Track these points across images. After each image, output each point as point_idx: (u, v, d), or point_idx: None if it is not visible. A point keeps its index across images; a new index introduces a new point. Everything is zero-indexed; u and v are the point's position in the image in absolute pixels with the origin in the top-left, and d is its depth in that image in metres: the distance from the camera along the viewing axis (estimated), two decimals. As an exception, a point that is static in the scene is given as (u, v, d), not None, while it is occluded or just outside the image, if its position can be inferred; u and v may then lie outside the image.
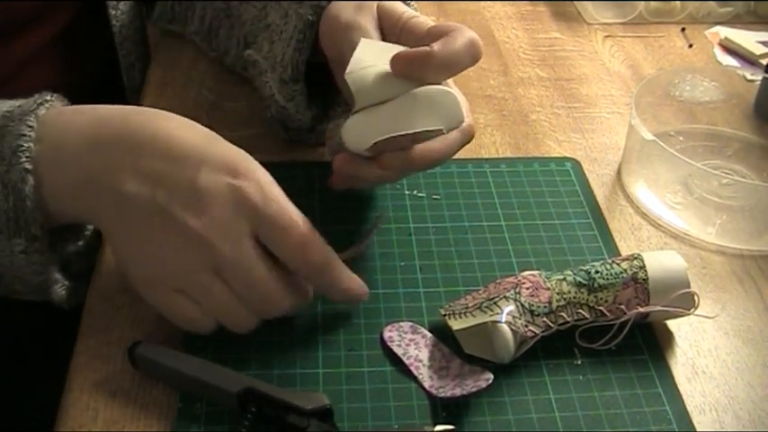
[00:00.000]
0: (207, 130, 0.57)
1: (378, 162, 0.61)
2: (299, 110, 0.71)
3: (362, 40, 0.62)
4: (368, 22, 0.65)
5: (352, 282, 0.59)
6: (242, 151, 0.56)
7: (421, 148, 0.61)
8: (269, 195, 0.54)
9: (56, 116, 0.56)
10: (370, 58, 0.61)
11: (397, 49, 0.62)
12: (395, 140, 0.60)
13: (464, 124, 0.62)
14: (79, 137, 0.55)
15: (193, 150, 0.54)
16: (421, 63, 0.59)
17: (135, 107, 0.58)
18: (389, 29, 0.65)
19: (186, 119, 0.57)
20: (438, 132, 0.61)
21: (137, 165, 0.54)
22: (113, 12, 0.80)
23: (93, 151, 0.55)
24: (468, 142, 0.64)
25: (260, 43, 0.74)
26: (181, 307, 0.56)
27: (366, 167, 0.62)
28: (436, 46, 0.59)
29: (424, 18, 0.65)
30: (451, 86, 0.64)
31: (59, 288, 0.58)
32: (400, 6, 0.66)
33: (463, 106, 0.62)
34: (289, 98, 0.70)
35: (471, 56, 0.60)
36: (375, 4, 0.66)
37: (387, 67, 0.61)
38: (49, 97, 0.57)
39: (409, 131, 0.60)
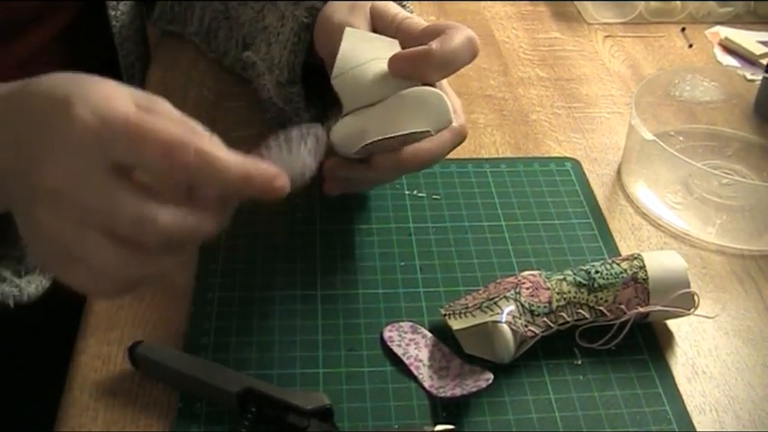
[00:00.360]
0: (69, 75, 0.49)
1: (370, 164, 0.60)
2: (297, 112, 0.71)
3: (347, 30, 0.62)
4: (361, 22, 0.65)
5: (254, 169, 0.48)
6: (77, 80, 0.48)
7: (412, 149, 0.60)
8: (106, 113, 0.46)
9: None
10: (357, 55, 0.61)
11: (382, 40, 0.61)
12: (384, 143, 0.60)
13: (455, 124, 0.62)
14: None
15: (41, 101, 0.48)
16: (420, 62, 0.59)
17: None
18: (383, 29, 0.65)
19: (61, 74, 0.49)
20: (426, 134, 0.61)
21: (10, 137, 0.49)
22: (113, 12, 0.80)
23: None
24: (461, 142, 0.64)
25: (258, 45, 0.73)
26: (77, 274, 0.49)
27: (358, 170, 0.61)
28: (435, 44, 0.59)
29: (418, 18, 0.65)
30: (444, 87, 0.64)
31: (5, 286, 0.56)
32: (394, 7, 0.66)
33: (453, 106, 0.62)
34: (287, 100, 0.70)
35: (470, 53, 0.60)
36: (368, 4, 0.66)
37: (374, 65, 0.60)
38: None
39: (397, 134, 0.60)
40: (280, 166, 0.51)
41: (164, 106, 0.49)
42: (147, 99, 0.49)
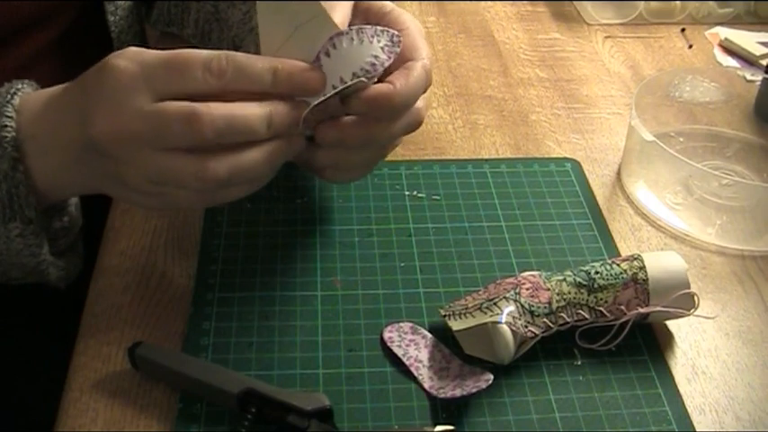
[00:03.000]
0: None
1: (316, 139, 0.60)
2: None
3: (258, 5, 0.56)
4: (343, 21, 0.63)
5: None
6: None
7: (351, 118, 0.59)
8: (142, 57, 0.53)
9: (26, 104, 0.57)
10: (279, 31, 0.57)
11: (297, 4, 0.56)
12: (324, 109, 0.58)
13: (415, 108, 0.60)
14: (50, 121, 0.56)
15: (86, 76, 0.55)
16: (383, 104, 0.58)
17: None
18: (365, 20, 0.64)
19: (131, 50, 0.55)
20: (361, 84, 0.57)
21: (85, 120, 0.54)
22: (112, 18, 0.80)
23: (63, 127, 0.56)
24: (416, 125, 0.62)
25: (247, 47, 0.74)
26: (178, 199, 0.56)
27: (312, 151, 0.61)
28: (398, 83, 0.58)
29: (402, 13, 0.63)
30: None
31: (54, 268, 0.59)
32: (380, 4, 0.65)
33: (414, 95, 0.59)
34: None
35: (425, 86, 0.61)
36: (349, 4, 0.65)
37: (300, 35, 0.56)
38: (20, 86, 0.58)
39: (325, 97, 0.56)
40: (349, 55, 0.55)
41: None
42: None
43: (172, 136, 0.52)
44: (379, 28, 0.58)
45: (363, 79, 0.56)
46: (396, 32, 0.58)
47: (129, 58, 0.54)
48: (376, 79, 0.58)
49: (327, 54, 0.56)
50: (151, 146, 0.53)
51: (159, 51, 0.54)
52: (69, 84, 0.57)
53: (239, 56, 0.54)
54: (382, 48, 0.57)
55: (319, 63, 0.57)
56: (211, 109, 0.52)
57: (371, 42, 0.57)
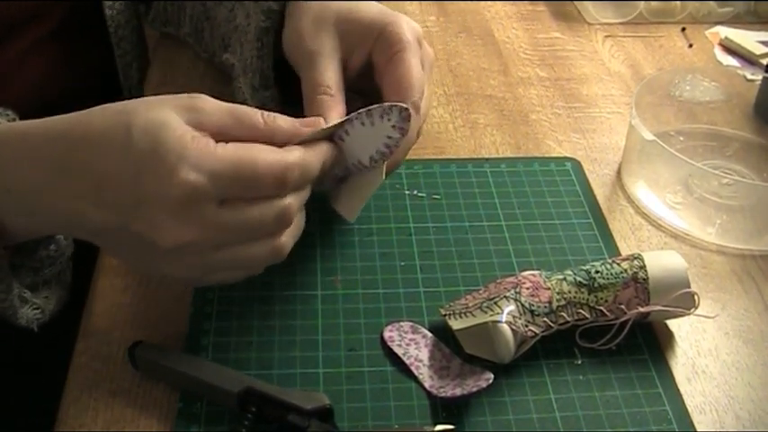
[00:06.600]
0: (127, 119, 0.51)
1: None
2: None
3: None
4: (327, 41, 0.63)
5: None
6: (158, 131, 0.50)
7: None
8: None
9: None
10: None
11: None
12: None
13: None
14: (23, 171, 0.51)
15: (129, 155, 0.49)
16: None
17: (71, 121, 0.52)
18: (359, 43, 0.63)
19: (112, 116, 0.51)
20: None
21: (83, 192, 0.50)
22: (109, 12, 0.80)
23: (36, 185, 0.51)
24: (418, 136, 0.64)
25: (234, 45, 0.74)
26: (217, 279, 0.55)
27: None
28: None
29: (398, 28, 0.62)
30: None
31: (28, 309, 0.56)
32: (365, 8, 0.64)
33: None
34: (261, 104, 0.69)
35: (420, 122, 0.63)
36: (333, 17, 0.63)
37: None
38: None
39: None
40: (361, 139, 0.57)
41: (206, 103, 0.55)
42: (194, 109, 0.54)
43: (260, 231, 0.52)
44: (386, 105, 0.57)
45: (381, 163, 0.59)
46: (404, 106, 0.57)
47: (198, 167, 0.49)
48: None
49: (342, 139, 0.58)
50: (230, 243, 0.52)
51: (226, 153, 0.50)
52: (62, 130, 0.51)
53: (305, 165, 0.53)
54: (393, 126, 0.58)
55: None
56: (292, 197, 0.53)
57: (382, 122, 0.57)
